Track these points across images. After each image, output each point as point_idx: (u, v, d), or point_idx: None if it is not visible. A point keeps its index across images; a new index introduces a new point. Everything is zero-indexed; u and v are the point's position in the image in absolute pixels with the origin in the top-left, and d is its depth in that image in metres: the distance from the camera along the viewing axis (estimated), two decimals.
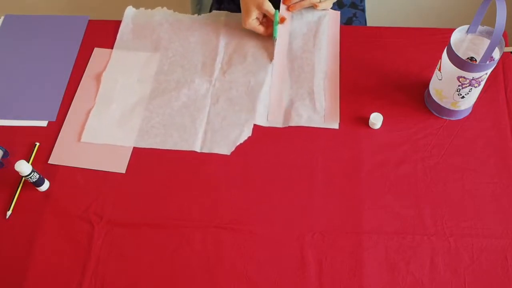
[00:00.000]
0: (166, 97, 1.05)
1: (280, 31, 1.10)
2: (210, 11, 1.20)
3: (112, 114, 1.03)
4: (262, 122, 1.01)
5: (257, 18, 1.09)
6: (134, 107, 1.04)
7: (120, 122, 1.02)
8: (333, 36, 1.12)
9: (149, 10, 1.19)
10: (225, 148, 0.98)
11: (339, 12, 1.16)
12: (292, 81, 1.06)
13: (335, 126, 1.00)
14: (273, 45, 1.09)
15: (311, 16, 1.14)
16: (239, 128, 1.00)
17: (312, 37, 1.11)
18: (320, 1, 1.10)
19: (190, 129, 1.00)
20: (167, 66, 1.10)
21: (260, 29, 1.10)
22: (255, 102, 1.03)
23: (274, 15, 1.08)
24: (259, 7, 1.07)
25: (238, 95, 1.04)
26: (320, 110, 1.02)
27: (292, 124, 1.00)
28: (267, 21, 1.11)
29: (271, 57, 1.08)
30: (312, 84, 1.05)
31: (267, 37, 1.11)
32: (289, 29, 1.12)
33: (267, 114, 1.02)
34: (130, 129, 1.01)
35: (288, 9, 1.11)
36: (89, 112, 1.04)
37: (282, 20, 1.10)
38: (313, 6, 1.12)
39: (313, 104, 1.03)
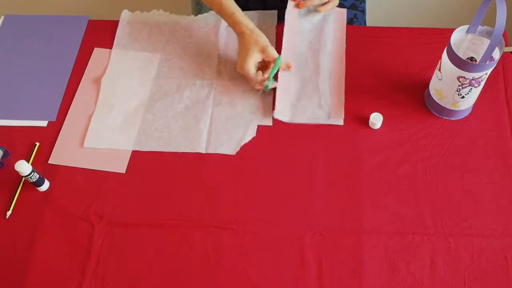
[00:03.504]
0: (168, 100, 1.04)
1: (287, 25, 1.08)
2: (210, 11, 1.19)
3: (114, 118, 1.03)
4: (266, 122, 1.01)
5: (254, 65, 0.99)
6: (136, 110, 1.03)
7: (122, 126, 1.02)
8: (339, 34, 1.12)
9: (145, 13, 1.18)
10: (229, 148, 0.98)
11: (345, 9, 1.15)
12: (297, 78, 1.06)
13: (340, 122, 1.00)
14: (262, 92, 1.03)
15: (317, 14, 1.13)
16: (243, 128, 1.00)
17: (318, 35, 1.11)
18: (322, 5, 1.09)
19: (194, 131, 1.00)
20: (167, 68, 1.09)
21: (257, 78, 0.98)
22: (258, 101, 1.03)
23: (276, 60, 0.99)
24: (263, 50, 0.97)
25: (240, 96, 1.04)
26: (325, 106, 1.02)
27: (298, 121, 1.00)
28: (262, 68, 1.02)
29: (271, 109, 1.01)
30: (317, 81, 1.05)
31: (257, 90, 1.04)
32: (296, 25, 1.11)
33: (271, 115, 1.01)
34: (132, 132, 1.01)
35: (297, 5, 1.10)
36: (89, 114, 1.04)
37: (288, 67, 1.02)
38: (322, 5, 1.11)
39: (319, 100, 1.02)
